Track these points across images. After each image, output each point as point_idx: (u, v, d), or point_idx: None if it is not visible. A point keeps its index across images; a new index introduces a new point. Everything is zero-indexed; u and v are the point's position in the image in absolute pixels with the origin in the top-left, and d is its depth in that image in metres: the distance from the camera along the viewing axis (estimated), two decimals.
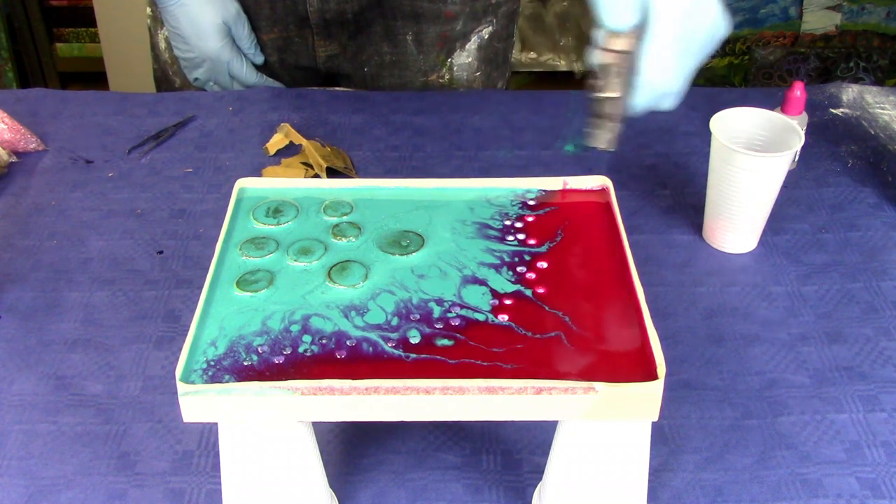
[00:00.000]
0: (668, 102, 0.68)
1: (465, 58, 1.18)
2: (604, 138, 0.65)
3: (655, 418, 0.57)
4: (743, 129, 0.90)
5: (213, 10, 1.10)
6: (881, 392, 0.77)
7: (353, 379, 0.56)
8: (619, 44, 0.61)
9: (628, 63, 0.62)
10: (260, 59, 1.17)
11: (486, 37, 1.18)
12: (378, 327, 0.61)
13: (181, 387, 0.56)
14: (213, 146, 1.06)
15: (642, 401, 0.57)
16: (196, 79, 1.16)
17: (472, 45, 1.18)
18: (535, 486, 0.69)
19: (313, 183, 0.74)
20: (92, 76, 2.62)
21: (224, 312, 0.62)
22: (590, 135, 0.65)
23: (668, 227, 0.95)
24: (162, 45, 1.20)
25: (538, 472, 0.70)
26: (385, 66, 1.18)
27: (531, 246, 0.68)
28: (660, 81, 0.64)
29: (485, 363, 0.59)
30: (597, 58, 0.63)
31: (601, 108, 0.63)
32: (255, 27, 1.15)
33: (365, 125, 1.09)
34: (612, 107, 0.63)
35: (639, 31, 0.62)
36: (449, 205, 0.72)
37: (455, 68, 1.19)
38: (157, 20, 1.18)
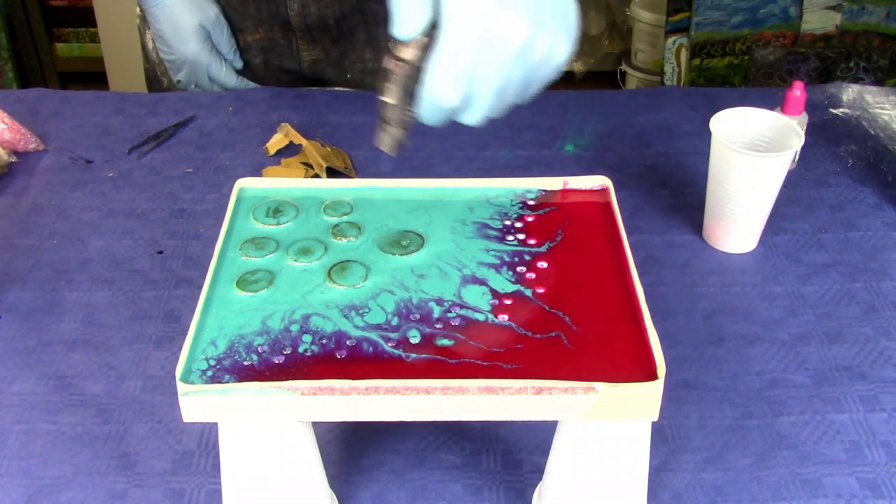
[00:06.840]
0: (470, 119, 0.64)
1: None
2: (386, 142, 0.65)
3: (655, 418, 0.57)
4: (743, 129, 0.90)
5: (191, 13, 1.10)
6: (881, 392, 0.77)
7: (353, 379, 0.56)
8: (404, 52, 0.62)
9: (412, 73, 0.62)
10: (240, 64, 1.17)
11: None
12: (378, 327, 0.61)
13: (181, 387, 0.56)
14: (213, 146, 1.06)
15: (642, 401, 0.57)
16: (179, 80, 1.16)
17: None
18: (535, 486, 0.69)
19: (313, 183, 0.74)
20: (92, 76, 2.62)
21: (224, 312, 0.62)
22: (376, 136, 0.65)
23: (668, 227, 0.95)
24: (150, 45, 1.20)
25: (538, 472, 0.70)
26: (368, 72, 1.17)
27: (531, 246, 0.68)
28: (441, 96, 0.61)
29: (485, 363, 0.59)
30: (384, 61, 0.63)
31: (382, 112, 0.64)
32: (240, 28, 1.15)
33: (365, 125, 1.09)
34: (391, 112, 0.63)
35: (427, 43, 0.62)
36: (449, 205, 0.72)
37: None
38: (145, 21, 1.18)
